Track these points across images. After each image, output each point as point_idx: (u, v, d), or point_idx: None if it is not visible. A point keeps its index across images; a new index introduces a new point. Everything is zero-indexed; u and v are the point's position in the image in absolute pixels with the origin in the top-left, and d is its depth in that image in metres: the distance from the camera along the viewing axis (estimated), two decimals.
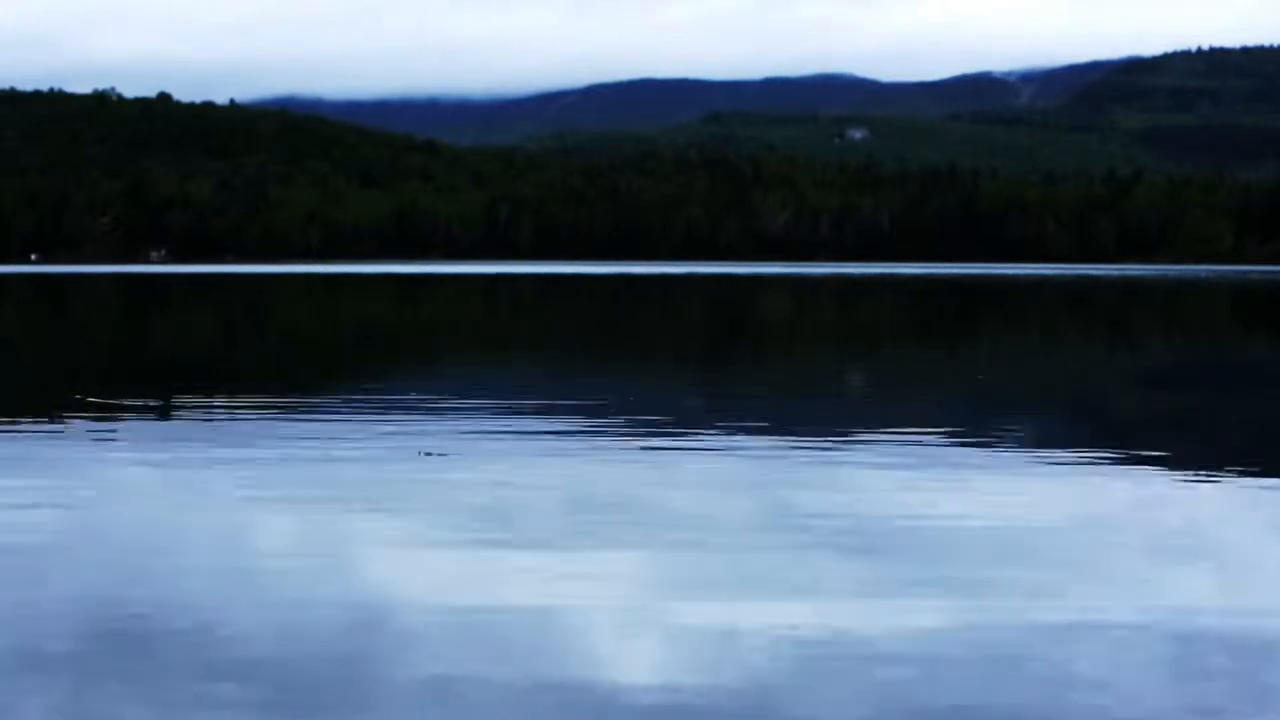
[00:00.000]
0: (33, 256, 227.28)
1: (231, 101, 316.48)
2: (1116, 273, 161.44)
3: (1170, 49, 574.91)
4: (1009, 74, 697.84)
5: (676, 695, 7.40)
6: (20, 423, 18.81)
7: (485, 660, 7.97)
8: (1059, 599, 9.38)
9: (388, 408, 20.35)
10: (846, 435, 17.53)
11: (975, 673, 7.78)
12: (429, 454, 15.61)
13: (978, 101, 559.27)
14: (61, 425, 18.38)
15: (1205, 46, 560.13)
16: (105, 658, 8.05)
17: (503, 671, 7.75)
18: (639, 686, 7.55)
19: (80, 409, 19.93)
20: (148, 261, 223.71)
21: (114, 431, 17.80)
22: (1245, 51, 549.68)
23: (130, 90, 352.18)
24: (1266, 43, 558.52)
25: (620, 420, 18.76)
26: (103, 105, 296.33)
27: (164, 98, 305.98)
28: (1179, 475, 14.64)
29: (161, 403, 21.27)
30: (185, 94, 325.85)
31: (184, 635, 8.45)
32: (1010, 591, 9.61)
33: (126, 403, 20.76)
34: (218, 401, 21.21)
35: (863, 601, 9.32)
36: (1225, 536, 11.72)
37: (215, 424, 18.63)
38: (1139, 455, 16.00)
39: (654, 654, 8.16)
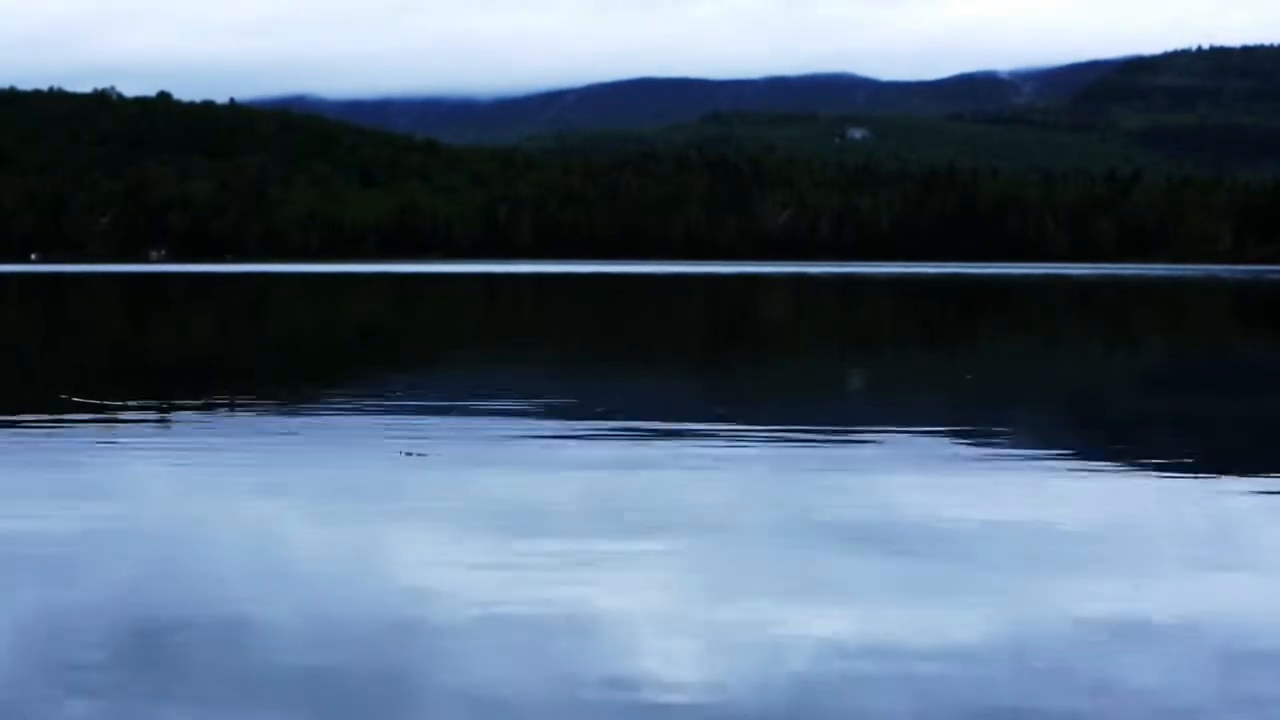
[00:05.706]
0: (33, 256, 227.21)
1: (231, 101, 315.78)
2: (1116, 273, 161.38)
3: (1170, 49, 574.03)
4: (1009, 74, 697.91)
5: (715, 699, 7.27)
6: (21, 423, 18.68)
7: (519, 664, 7.82)
8: (1095, 599, 9.25)
9: (387, 407, 20.25)
10: (855, 435, 17.41)
11: (1014, 675, 7.65)
12: (410, 454, 15.49)
13: (978, 101, 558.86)
14: (62, 425, 18.24)
15: (1205, 46, 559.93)
16: (135, 663, 7.88)
17: (539, 676, 7.61)
18: (677, 693, 7.40)
19: (80, 409, 19.78)
20: (148, 261, 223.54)
21: (115, 432, 17.66)
22: (1245, 51, 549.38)
23: (130, 90, 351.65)
24: (1266, 43, 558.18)
25: (622, 422, 18.61)
26: (103, 105, 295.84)
27: (164, 98, 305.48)
28: (1193, 475, 14.48)
29: (162, 403, 21.12)
30: (185, 94, 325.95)
31: (211, 638, 8.30)
32: (1046, 593, 9.47)
33: (127, 403, 20.62)
34: (218, 402, 21.11)
35: (897, 603, 9.18)
36: (1253, 536, 11.58)
37: (216, 425, 18.51)
38: (1150, 455, 15.86)
39: (691, 658, 8.01)
